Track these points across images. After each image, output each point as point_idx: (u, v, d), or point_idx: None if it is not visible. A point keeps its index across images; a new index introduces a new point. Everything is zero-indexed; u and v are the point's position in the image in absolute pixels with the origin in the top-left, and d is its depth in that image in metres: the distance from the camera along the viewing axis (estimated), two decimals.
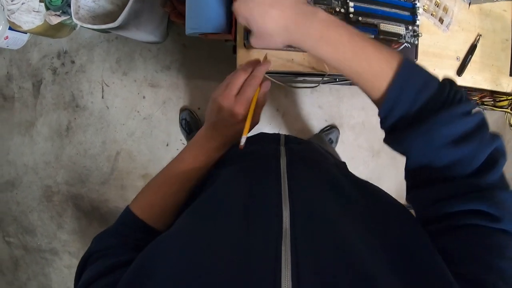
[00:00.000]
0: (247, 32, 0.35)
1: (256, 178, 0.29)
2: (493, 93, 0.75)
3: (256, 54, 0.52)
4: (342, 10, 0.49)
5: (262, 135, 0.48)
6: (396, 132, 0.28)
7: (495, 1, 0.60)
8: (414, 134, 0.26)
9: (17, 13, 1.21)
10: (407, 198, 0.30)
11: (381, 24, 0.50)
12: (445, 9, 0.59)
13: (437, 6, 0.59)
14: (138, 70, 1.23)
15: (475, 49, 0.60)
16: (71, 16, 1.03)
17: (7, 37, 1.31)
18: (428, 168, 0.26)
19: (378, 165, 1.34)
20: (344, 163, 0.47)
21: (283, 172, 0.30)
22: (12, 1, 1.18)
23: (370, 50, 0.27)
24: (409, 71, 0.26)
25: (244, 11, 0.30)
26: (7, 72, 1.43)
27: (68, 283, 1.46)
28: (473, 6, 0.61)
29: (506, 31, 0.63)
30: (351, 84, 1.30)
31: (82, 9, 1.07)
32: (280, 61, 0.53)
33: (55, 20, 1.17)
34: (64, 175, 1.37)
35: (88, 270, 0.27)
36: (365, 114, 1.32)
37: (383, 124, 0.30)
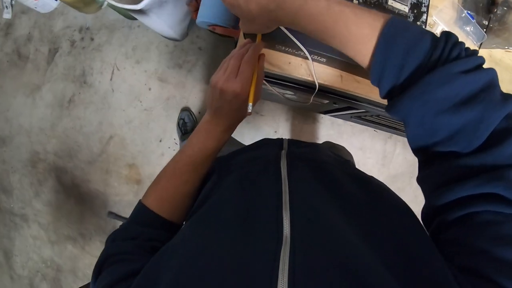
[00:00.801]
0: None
1: (256, 184, 0.29)
2: None
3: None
4: None
5: (265, 141, 0.48)
6: (392, 99, 0.25)
7: (506, 48, 0.58)
8: (408, 99, 0.23)
9: None
10: (417, 180, 0.26)
11: None
12: None
13: None
14: (151, 61, 1.24)
15: None
16: None
17: None
18: (430, 141, 0.23)
19: None
20: (348, 161, 0.46)
21: (283, 176, 0.29)
22: None
23: (349, 16, 0.25)
24: (394, 31, 0.23)
25: None
26: (29, 33, 1.45)
27: (30, 253, 1.43)
28: (482, 51, 0.59)
29: None
30: (348, 117, 1.28)
31: None
32: (275, 63, 0.51)
33: None
34: (54, 145, 1.36)
35: (103, 276, 0.27)
36: (362, 155, 1.30)
37: (380, 93, 0.27)
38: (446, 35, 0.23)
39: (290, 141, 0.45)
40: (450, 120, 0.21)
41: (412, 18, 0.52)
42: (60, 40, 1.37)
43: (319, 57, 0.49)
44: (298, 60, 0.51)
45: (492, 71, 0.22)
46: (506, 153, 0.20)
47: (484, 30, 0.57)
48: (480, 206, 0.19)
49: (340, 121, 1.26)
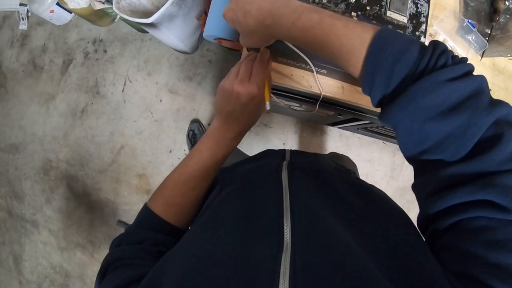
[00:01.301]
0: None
1: (257, 193, 0.30)
2: None
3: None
4: None
5: (268, 152, 0.49)
6: (383, 107, 0.25)
7: (509, 56, 0.57)
8: (397, 108, 0.23)
9: None
10: (411, 187, 0.27)
11: None
12: None
13: None
14: (162, 74, 1.27)
15: None
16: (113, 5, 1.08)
17: (52, 11, 1.39)
18: (419, 149, 0.23)
19: None
20: (349, 170, 0.46)
21: (284, 185, 0.30)
22: None
23: (340, 28, 0.26)
24: (383, 42, 0.24)
25: (230, 15, 0.32)
26: (44, 44, 1.50)
27: (39, 259, 1.45)
28: (485, 60, 0.58)
29: None
30: (355, 129, 1.29)
31: (124, 1, 1.12)
32: (278, 75, 0.52)
33: (98, 5, 1.23)
34: (67, 154, 1.39)
35: (108, 280, 0.27)
36: (370, 167, 1.30)
37: (372, 102, 0.27)
38: (434, 44, 0.23)
39: (292, 151, 0.45)
40: (437, 127, 0.21)
41: (411, 29, 0.52)
42: (74, 52, 1.41)
43: (320, 69, 0.50)
44: (300, 72, 0.52)
45: (480, 77, 0.22)
46: (495, 160, 0.20)
47: (487, 38, 0.57)
48: (473, 212, 0.20)
49: (348, 133, 1.27)
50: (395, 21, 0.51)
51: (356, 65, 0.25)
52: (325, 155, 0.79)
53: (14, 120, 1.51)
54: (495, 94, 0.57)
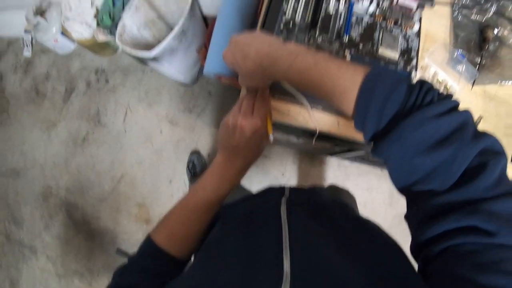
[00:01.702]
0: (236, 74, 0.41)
1: (258, 228, 0.31)
2: None
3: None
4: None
5: (268, 189, 0.50)
6: (375, 142, 0.28)
7: (499, 83, 0.58)
8: (387, 143, 0.25)
9: (71, 21, 1.33)
10: (404, 217, 0.28)
11: None
12: (446, 89, 0.58)
13: (439, 84, 0.58)
14: (163, 105, 1.29)
15: None
16: (116, 37, 1.12)
17: (56, 40, 1.43)
18: (409, 181, 0.25)
19: None
20: (346, 204, 0.47)
21: (283, 221, 0.31)
22: (70, 10, 1.30)
23: (334, 70, 0.28)
24: (373, 83, 0.26)
25: (230, 57, 0.34)
26: (47, 71, 1.53)
27: (36, 285, 1.45)
28: (476, 88, 0.59)
29: (510, 117, 0.60)
30: (353, 159, 1.31)
31: (127, 34, 1.16)
32: (276, 112, 0.54)
33: (101, 37, 1.27)
34: (67, 181, 1.40)
35: None
36: (368, 195, 1.31)
37: (364, 137, 0.29)
38: (421, 82, 0.25)
39: (291, 189, 0.47)
40: (425, 161, 0.23)
41: (402, 63, 0.53)
42: (76, 80, 1.44)
43: (315, 104, 0.52)
44: (297, 108, 0.53)
45: (465, 113, 0.24)
46: (479, 188, 0.21)
47: (477, 67, 0.59)
48: (460, 238, 0.21)
49: (346, 162, 1.29)
50: (387, 58, 0.53)
51: (348, 105, 0.27)
52: (324, 190, 0.81)
53: (16, 145, 1.53)
54: (487, 120, 0.59)
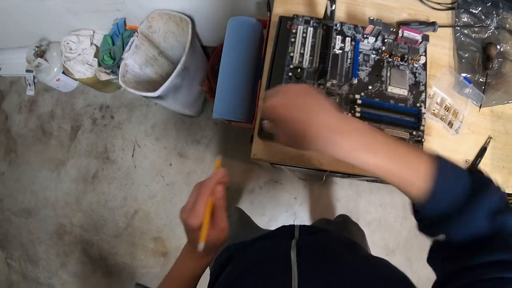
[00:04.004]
0: (262, 125, 0.37)
1: (268, 270, 0.33)
2: (508, 195, 0.73)
3: (271, 146, 0.54)
4: (349, 114, 0.51)
5: (280, 229, 0.51)
6: (436, 223, 0.27)
7: (506, 103, 0.59)
8: (458, 221, 0.25)
9: (72, 62, 1.34)
10: (428, 259, 0.30)
11: (386, 129, 0.51)
12: (455, 114, 0.58)
13: (447, 111, 0.58)
14: (170, 138, 1.30)
15: (485, 152, 0.58)
16: (118, 76, 1.13)
17: (59, 79, 1.44)
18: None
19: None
20: (355, 243, 0.49)
21: (293, 263, 0.33)
22: (70, 50, 1.31)
23: (405, 152, 0.27)
24: (447, 171, 0.27)
25: (284, 113, 0.29)
26: (52, 110, 1.54)
27: None
28: (484, 109, 0.59)
29: None
30: (368, 180, 1.32)
31: (129, 73, 1.17)
32: (288, 156, 0.54)
33: (104, 76, 1.28)
34: (80, 219, 1.41)
35: None
36: (382, 211, 1.32)
37: (423, 220, 0.29)
38: (473, 170, 0.28)
39: (301, 228, 0.49)
40: (487, 223, 0.25)
41: (412, 100, 0.53)
42: (81, 118, 1.45)
43: None
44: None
45: (498, 188, 0.26)
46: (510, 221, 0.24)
47: (483, 87, 0.59)
48: (492, 272, 0.22)
49: (357, 181, 1.29)
50: (396, 95, 0.53)
51: (419, 188, 0.27)
52: (333, 224, 0.81)
53: (26, 185, 1.54)
54: (497, 139, 0.59)
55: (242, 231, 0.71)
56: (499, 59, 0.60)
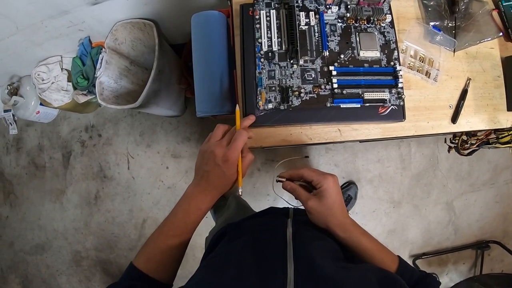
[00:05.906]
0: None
1: (265, 245, 0.35)
2: (496, 131, 0.74)
3: (260, 133, 0.56)
4: (328, 87, 0.51)
5: (271, 210, 0.53)
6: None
7: (478, 43, 0.60)
8: None
9: (47, 92, 1.32)
10: None
11: (365, 93, 0.52)
12: (431, 63, 0.59)
13: (422, 61, 0.59)
14: (161, 142, 1.31)
15: (466, 94, 0.59)
16: (96, 95, 1.13)
17: (38, 112, 1.42)
18: None
19: (401, 215, 1.34)
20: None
21: (289, 239, 0.35)
22: (43, 81, 1.30)
23: (380, 248, 0.39)
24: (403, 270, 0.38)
25: (334, 198, 0.39)
26: (39, 143, 1.53)
27: None
28: (458, 53, 0.60)
29: (497, 68, 0.61)
30: (360, 140, 1.33)
31: (106, 90, 1.16)
32: (278, 138, 0.56)
33: (82, 99, 1.27)
34: (93, 241, 1.42)
35: None
36: (381, 166, 1.34)
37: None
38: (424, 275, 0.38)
39: (295, 209, 0.51)
40: None
41: (386, 59, 0.53)
42: (70, 144, 1.45)
43: (312, 122, 0.53)
44: (297, 128, 0.55)
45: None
46: None
47: (453, 32, 0.59)
48: None
49: (350, 143, 1.31)
50: (369, 58, 0.53)
51: (388, 267, 0.38)
52: None
53: (32, 222, 1.54)
54: (476, 79, 0.60)
55: (238, 215, 0.73)
56: (465, 0, 0.60)
